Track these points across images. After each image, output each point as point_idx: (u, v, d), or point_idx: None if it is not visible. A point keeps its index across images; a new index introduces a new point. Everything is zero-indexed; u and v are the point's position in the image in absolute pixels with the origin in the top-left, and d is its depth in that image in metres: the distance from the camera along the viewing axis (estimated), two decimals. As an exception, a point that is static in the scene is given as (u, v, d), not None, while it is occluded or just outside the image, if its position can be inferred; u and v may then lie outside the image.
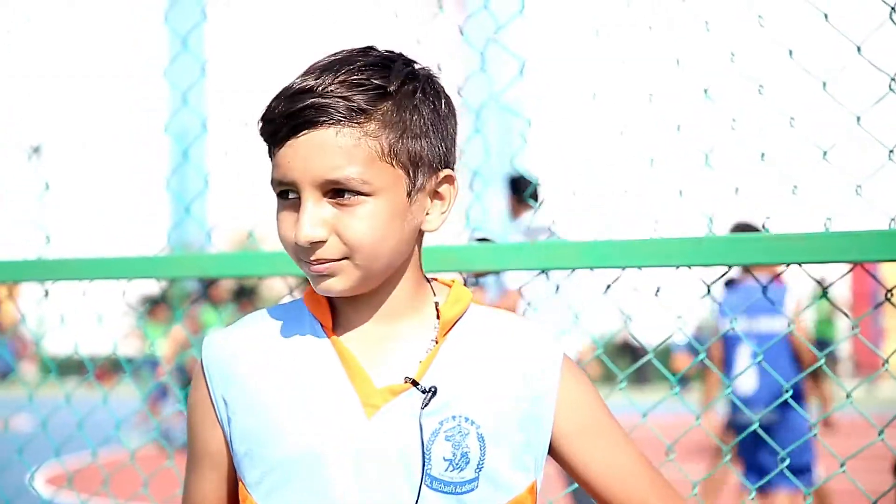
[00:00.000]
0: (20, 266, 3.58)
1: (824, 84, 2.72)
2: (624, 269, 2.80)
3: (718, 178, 2.89)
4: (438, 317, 1.80)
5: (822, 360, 2.73)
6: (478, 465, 1.72)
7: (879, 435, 2.58)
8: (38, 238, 4.02)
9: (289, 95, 1.70)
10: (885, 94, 2.62)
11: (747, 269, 6.41)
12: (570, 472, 1.85)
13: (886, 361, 2.62)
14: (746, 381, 6.90)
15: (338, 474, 1.70)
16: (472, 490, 1.72)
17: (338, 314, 1.81)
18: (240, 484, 1.79)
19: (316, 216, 1.68)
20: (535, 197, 7.47)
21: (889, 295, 2.55)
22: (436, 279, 1.87)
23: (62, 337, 4.35)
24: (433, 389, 1.73)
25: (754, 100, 2.80)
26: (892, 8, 2.61)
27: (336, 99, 1.67)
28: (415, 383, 1.73)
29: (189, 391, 1.88)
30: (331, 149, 1.67)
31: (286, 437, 1.73)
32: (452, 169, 1.79)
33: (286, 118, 1.68)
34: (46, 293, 3.75)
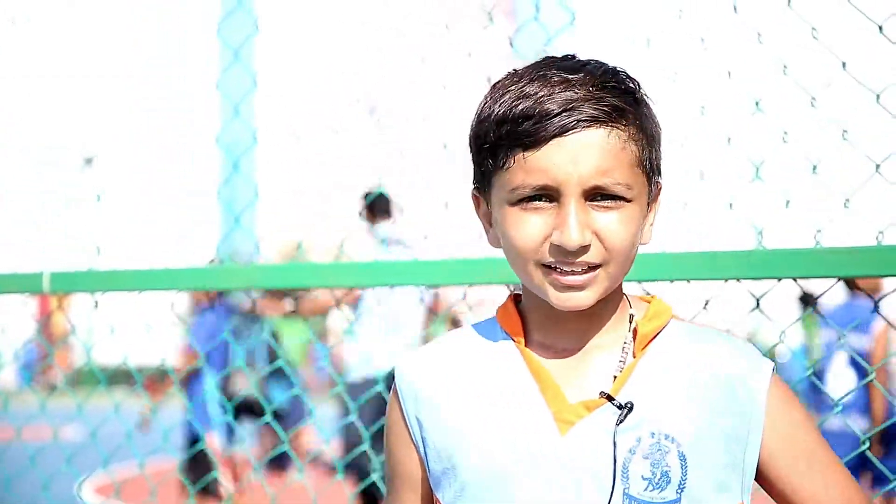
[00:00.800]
0: (71, 277, 3.61)
1: (813, 99, 2.73)
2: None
3: (712, 191, 2.90)
4: (635, 331, 1.73)
5: (873, 375, 2.70)
6: (679, 484, 1.64)
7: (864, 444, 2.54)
8: (90, 249, 4.05)
9: (542, 94, 1.61)
10: (872, 108, 2.61)
11: (853, 286, 6.85)
12: (775, 497, 1.75)
13: (872, 372, 2.60)
14: (842, 390, 7.19)
15: (530, 491, 1.65)
16: None
17: (531, 328, 1.76)
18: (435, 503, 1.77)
19: (583, 220, 1.61)
20: (389, 211, 7.57)
21: (878, 308, 2.52)
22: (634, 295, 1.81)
23: (112, 347, 4.38)
24: (629, 405, 1.65)
25: (748, 115, 2.81)
26: (880, 27, 2.61)
27: (605, 98, 1.61)
28: (610, 398, 1.66)
29: (386, 413, 1.85)
30: (602, 150, 1.60)
31: (478, 454, 1.68)
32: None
33: (556, 115, 1.60)
34: (96, 304, 3.77)
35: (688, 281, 2.72)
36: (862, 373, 6.95)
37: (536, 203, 1.63)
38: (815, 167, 2.76)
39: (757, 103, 2.81)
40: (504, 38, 3.39)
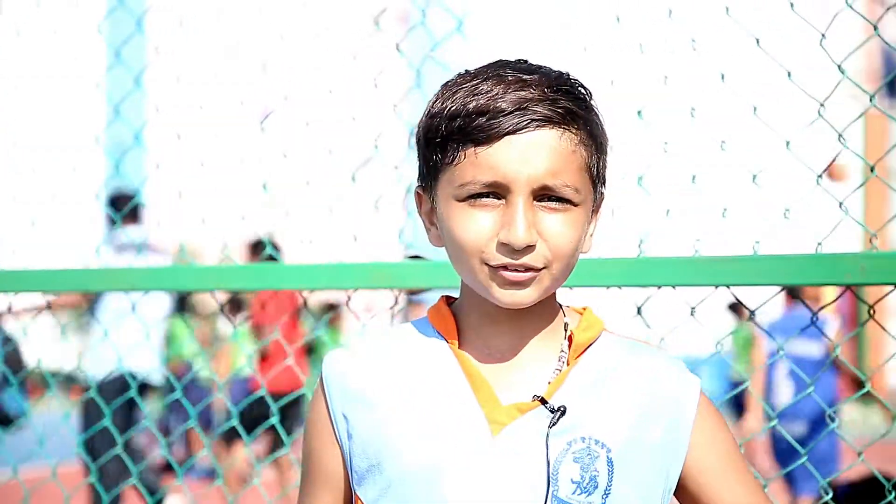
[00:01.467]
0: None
1: (755, 109, 2.74)
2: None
3: (650, 201, 2.90)
4: (570, 340, 1.74)
5: (868, 386, 2.72)
6: (605, 490, 1.64)
7: (859, 456, 2.59)
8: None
9: (496, 92, 1.61)
10: (814, 119, 2.64)
11: (793, 295, 7.08)
12: None
13: (811, 384, 2.63)
14: (783, 396, 7.52)
15: (458, 492, 1.63)
16: None
17: (465, 329, 1.75)
18: (355, 501, 1.74)
19: (530, 219, 1.61)
20: (135, 214, 7.28)
21: (871, 312, 2.56)
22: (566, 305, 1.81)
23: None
24: (562, 409, 1.66)
25: (686, 122, 2.82)
26: (822, 34, 2.65)
27: (559, 100, 1.62)
28: (543, 401, 1.66)
29: (308, 410, 1.83)
30: (553, 151, 1.60)
31: (406, 452, 1.66)
32: None
33: (509, 113, 1.60)
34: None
35: (570, 288, 2.74)
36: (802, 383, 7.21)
37: (484, 200, 1.62)
38: (754, 176, 2.78)
39: (692, 111, 2.82)
40: (391, 43, 3.39)
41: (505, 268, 1.62)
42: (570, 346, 1.73)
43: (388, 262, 2.98)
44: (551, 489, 1.63)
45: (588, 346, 1.74)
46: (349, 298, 3.19)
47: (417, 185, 1.77)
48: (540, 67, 1.67)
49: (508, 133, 1.59)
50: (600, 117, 1.69)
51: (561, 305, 1.78)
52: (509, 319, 1.71)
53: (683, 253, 2.67)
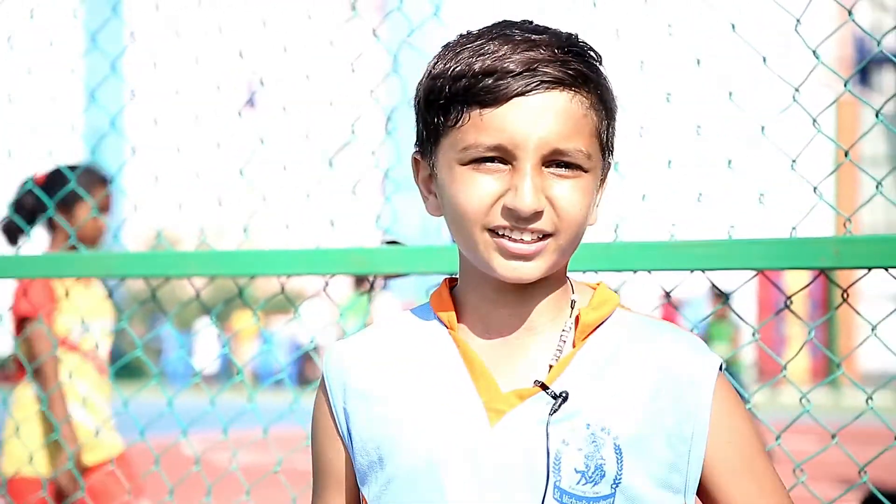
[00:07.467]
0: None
1: (730, 94, 2.76)
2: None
3: (626, 185, 2.91)
4: (577, 319, 1.63)
5: (841, 370, 2.74)
6: (615, 479, 1.54)
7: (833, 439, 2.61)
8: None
9: (503, 52, 1.52)
10: (789, 105, 2.66)
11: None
12: (703, 500, 1.65)
13: (785, 367, 2.66)
14: None
15: (457, 486, 1.56)
16: None
17: (466, 312, 1.66)
18: (363, 501, 1.68)
19: (538, 184, 1.52)
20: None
21: (789, 302, 2.58)
22: (579, 281, 1.71)
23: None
24: (564, 395, 1.55)
25: (661, 107, 2.83)
26: (798, 20, 2.66)
27: (570, 61, 1.53)
28: (544, 387, 1.56)
29: (313, 405, 1.75)
30: (564, 114, 1.52)
31: (405, 447, 1.60)
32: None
33: (518, 74, 1.51)
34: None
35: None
36: None
37: (489, 165, 1.54)
38: (730, 162, 2.79)
39: (668, 96, 2.82)
40: (368, 29, 3.39)
41: (509, 238, 1.54)
42: (576, 326, 1.63)
43: (366, 248, 2.99)
44: (552, 480, 1.54)
45: (598, 326, 1.63)
46: (326, 284, 3.20)
47: (415, 151, 1.68)
48: (548, 28, 1.58)
49: (517, 95, 1.51)
50: (611, 84, 1.61)
51: (570, 280, 1.68)
52: (512, 297, 1.61)
53: (659, 238, 2.67)
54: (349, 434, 1.67)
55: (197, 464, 3.85)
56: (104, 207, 4.62)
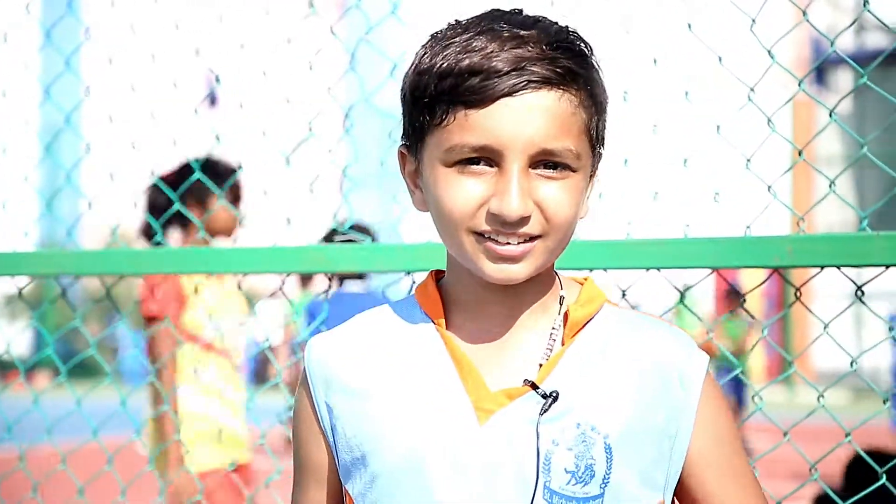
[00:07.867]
0: None
1: (686, 93, 2.77)
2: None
3: None
4: (566, 316, 1.61)
5: (794, 367, 2.76)
6: (603, 479, 1.52)
7: (785, 436, 2.62)
8: None
9: (491, 50, 1.49)
10: (744, 104, 2.68)
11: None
12: (681, 499, 1.64)
13: (742, 365, 2.68)
14: None
15: (445, 486, 1.53)
16: None
17: (453, 308, 1.63)
18: (346, 497, 1.64)
19: (525, 188, 1.49)
20: None
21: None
22: (567, 277, 1.69)
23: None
24: (554, 394, 1.53)
25: (618, 105, 2.84)
26: (753, 20, 2.68)
27: (558, 59, 1.49)
28: (534, 386, 1.54)
29: (294, 399, 1.72)
30: (552, 114, 1.49)
31: (391, 444, 1.56)
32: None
33: (505, 73, 1.47)
34: None
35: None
36: None
37: (474, 167, 1.50)
38: (685, 160, 2.80)
39: (625, 95, 2.82)
40: (326, 26, 3.38)
41: (495, 241, 1.51)
42: (565, 322, 1.61)
43: (324, 246, 2.98)
44: (542, 480, 1.51)
45: (587, 323, 1.61)
46: (283, 282, 3.19)
47: (401, 144, 1.65)
48: (537, 21, 1.54)
49: (504, 95, 1.47)
50: (601, 75, 1.58)
51: (558, 275, 1.66)
52: (500, 295, 1.59)
53: (615, 236, 2.68)
54: (332, 430, 1.64)
55: (150, 464, 3.82)
56: (236, 198, 4.61)
